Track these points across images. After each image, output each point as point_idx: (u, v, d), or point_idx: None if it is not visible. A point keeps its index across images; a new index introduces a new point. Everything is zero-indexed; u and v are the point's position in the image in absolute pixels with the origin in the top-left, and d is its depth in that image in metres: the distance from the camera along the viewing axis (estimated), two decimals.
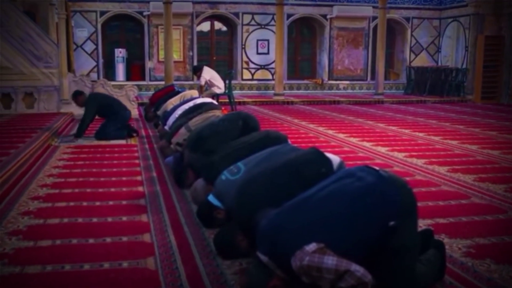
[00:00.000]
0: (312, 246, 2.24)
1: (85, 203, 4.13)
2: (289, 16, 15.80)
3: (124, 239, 3.33)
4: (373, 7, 15.80)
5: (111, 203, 4.16)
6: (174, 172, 4.75)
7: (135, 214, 3.83)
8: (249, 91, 15.90)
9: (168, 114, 6.62)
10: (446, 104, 14.04)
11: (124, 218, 3.75)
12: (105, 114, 7.50)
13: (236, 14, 15.62)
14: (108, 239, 3.32)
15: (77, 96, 7.56)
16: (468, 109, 12.66)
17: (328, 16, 16.17)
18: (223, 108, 6.70)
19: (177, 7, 13.99)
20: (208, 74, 10.74)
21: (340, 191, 2.45)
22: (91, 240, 3.30)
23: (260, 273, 2.38)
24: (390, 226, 2.33)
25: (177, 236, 3.37)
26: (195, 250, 3.11)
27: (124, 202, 4.18)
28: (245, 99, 13.84)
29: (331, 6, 16.05)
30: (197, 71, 11.01)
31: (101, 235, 3.37)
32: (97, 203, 4.13)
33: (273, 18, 15.20)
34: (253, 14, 15.75)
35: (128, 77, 15.29)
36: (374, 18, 15.82)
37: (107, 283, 2.69)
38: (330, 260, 2.20)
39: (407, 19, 16.82)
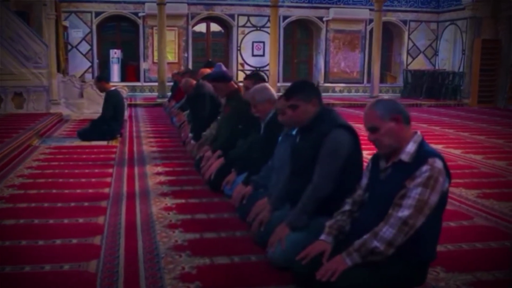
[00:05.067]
0: None
1: (46, 204, 4.09)
2: (285, 18, 15.78)
3: (74, 241, 3.29)
4: (370, 9, 15.75)
5: (72, 204, 4.12)
6: None
7: (92, 216, 3.79)
8: None
9: None
10: (442, 108, 13.94)
11: (81, 220, 3.71)
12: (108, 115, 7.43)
13: (232, 16, 15.62)
14: (58, 241, 3.27)
15: (101, 81, 7.53)
16: (463, 113, 12.56)
17: (324, 19, 16.12)
18: None
19: (172, 8, 14.00)
20: None
21: None
22: (40, 242, 3.26)
23: None
24: None
25: (128, 239, 3.32)
26: (142, 254, 3.06)
27: (86, 204, 4.13)
28: None
29: (328, 8, 16.00)
30: (210, 67, 10.81)
31: (52, 237, 3.33)
32: (59, 205, 4.10)
33: (269, 20, 15.17)
34: (248, 16, 15.74)
35: (123, 78, 15.31)
36: (371, 20, 15.77)
37: (43, 285, 2.65)
38: None
39: (405, 22, 16.75)
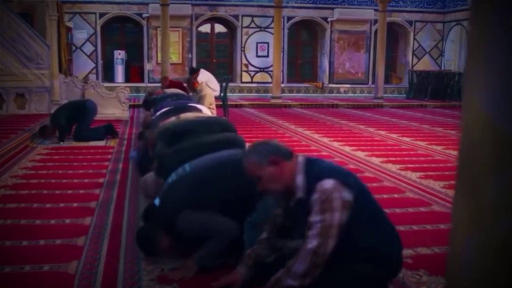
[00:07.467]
0: None
1: (35, 205, 4.09)
2: (289, 18, 15.73)
3: (58, 242, 3.28)
4: (375, 10, 15.66)
5: (62, 205, 4.12)
6: (138, 161, 4.68)
7: (79, 217, 3.78)
8: (248, 94, 15.85)
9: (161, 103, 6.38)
10: (447, 109, 13.80)
11: (67, 221, 3.71)
12: (76, 119, 7.42)
13: (236, 17, 15.61)
14: (42, 242, 3.27)
15: (45, 131, 7.35)
16: None
17: (329, 19, 16.06)
18: None
19: (176, 9, 14.02)
20: (205, 76, 10.54)
21: None
22: (24, 243, 3.26)
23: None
24: None
25: (111, 240, 3.30)
26: (123, 255, 3.04)
27: (75, 205, 4.13)
28: (242, 102, 13.79)
29: (332, 9, 15.94)
30: (194, 73, 10.82)
31: (36, 238, 3.33)
32: (48, 205, 4.09)
33: (273, 21, 15.12)
34: (252, 16, 15.72)
35: (127, 79, 15.35)
36: (376, 21, 15.67)
37: (21, 286, 2.65)
38: None
39: (410, 22, 16.64)
